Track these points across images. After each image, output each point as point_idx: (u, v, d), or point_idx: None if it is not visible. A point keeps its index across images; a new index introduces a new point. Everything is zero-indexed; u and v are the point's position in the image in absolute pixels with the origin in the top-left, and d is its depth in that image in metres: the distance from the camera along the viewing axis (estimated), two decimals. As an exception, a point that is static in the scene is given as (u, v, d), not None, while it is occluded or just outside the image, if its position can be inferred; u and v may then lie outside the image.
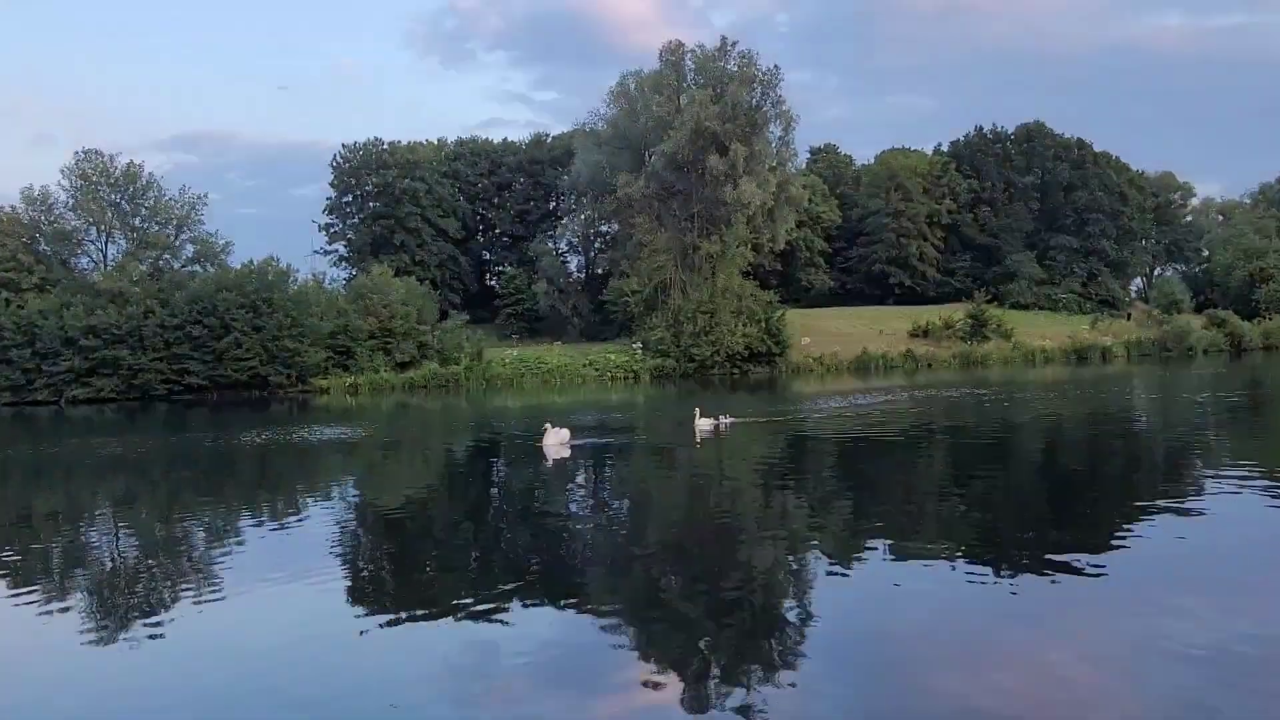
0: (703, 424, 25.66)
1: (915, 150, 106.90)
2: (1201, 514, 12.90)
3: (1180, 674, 7.24)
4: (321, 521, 15.43)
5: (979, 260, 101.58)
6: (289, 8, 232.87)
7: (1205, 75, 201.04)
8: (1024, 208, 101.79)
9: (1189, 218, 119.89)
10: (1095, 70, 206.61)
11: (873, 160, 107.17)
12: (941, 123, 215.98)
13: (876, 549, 11.54)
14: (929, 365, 70.94)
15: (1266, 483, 15.22)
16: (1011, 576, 10.04)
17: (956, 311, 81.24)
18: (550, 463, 20.08)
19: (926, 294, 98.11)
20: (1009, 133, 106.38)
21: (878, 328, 79.97)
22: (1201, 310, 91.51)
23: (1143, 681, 7.21)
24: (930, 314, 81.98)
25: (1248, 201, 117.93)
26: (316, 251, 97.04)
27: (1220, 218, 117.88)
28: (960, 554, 11.09)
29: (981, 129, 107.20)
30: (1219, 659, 7.48)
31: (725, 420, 26.68)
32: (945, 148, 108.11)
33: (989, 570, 10.37)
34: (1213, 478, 15.93)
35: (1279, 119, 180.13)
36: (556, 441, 21.88)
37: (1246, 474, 16.06)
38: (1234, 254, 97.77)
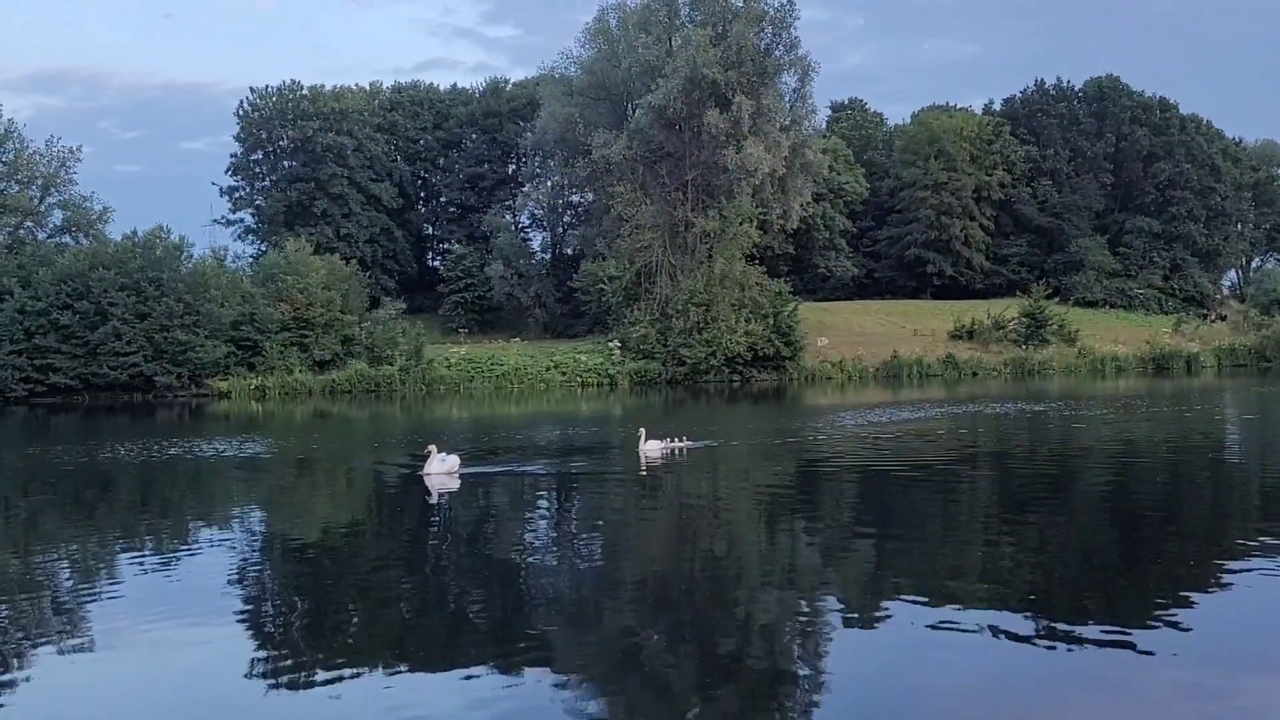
0: (649, 447, 25.63)
1: (961, 109, 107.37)
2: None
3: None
4: (217, 557, 15.36)
5: (1037, 246, 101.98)
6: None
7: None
8: (1093, 182, 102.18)
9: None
10: (1184, 13, 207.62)
11: (908, 120, 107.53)
12: (992, 75, 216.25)
13: (904, 600, 11.56)
14: (974, 374, 71.21)
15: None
16: (1068, 638, 10.08)
17: (1009, 308, 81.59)
18: (435, 496, 20.04)
19: (972, 286, 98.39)
20: (1076, 89, 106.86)
21: (911, 327, 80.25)
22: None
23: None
24: (976, 311, 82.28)
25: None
26: (216, 221, 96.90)
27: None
28: (1006, 609, 11.12)
29: (1042, 83, 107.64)
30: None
31: (679, 444, 26.55)
32: (998, 106, 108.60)
33: (1040, 629, 10.39)
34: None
35: None
36: (444, 470, 21.72)
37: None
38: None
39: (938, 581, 12.45)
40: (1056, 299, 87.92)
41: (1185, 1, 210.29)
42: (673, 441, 26.47)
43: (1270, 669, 9.16)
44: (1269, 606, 11.12)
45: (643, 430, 26.32)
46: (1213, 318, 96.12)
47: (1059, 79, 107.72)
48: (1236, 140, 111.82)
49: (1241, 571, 12.53)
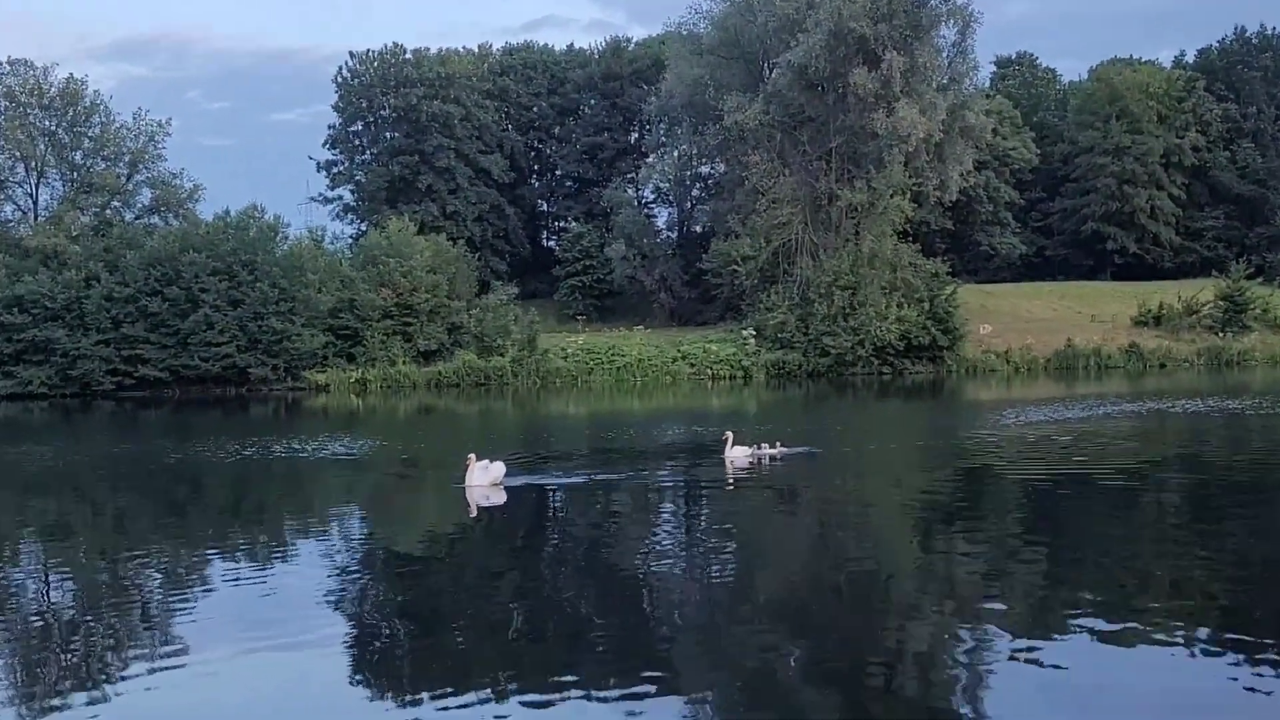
0: (736, 454, 25.37)
1: (1146, 62, 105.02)
2: None
3: None
4: (315, 565, 15.68)
5: (1237, 218, 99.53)
6: None
7: None
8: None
9: None
10: None
11: (1085, 76, 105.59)
12: (1183, 23, 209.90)
13: (1081, 626, 11.39)
14: (1161, 365, 69.72)
15: None
16: (1267, 668, 9.86)
17: (1203, 291, 79.60)
18: (475, 510, 19.96)
19: (1160, 266, 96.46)
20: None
21: (1088, 312, 78.83)
22: None
23: None
24: (1165, 293, 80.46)
25: None
26: (313, 199, 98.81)
27: None
28: (1199, 639, 10.90)
29: (1243, 32, 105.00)
30: None
31: (771, 450, 26.17)
32: (1190, 58, 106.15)
33: (1243, 661, 10.17)
34: None
35: None
36: (486, 481, 21.53)
37: None
38: None
39: (1120, 607, 12.24)
40: (1260, 279, 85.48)
41: None
42: (762, 448, 26.13)
43: None
44: None
45: (729, 434, 26.01)
46: None
47: (1262, 26, 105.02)
48: None
49: None
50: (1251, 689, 9.39)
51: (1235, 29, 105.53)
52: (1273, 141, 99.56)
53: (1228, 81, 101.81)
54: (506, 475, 22.05)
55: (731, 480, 23.24)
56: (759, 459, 25.53)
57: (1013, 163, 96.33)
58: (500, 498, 20.87)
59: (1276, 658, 10.14)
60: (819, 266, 72.34)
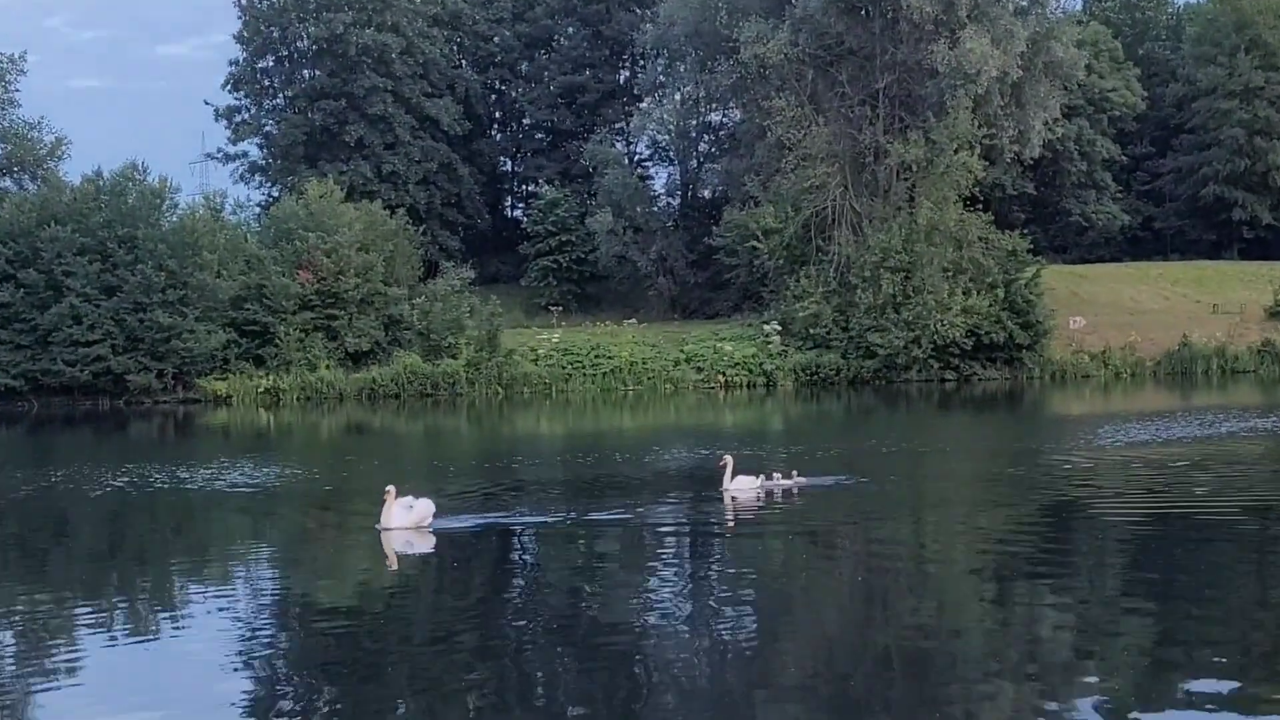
0: (738, 485, 25.04)
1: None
2: None
3: None
4: (213, 628, 15.66)
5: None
6: None
7: None
8: None
9: None
10: None
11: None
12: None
13: (1199, 700, 11.46)
14: (1306, 368, 70.01)
15: None
16: None
17: (1358, 273, 79.99)
18: (392, 558, 19.93)
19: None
20: None
21: (1209, 300, 79.04)
22: None
23: None
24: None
25: None
26: (210, 156, 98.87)
27: None
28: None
29: None
30: None
31: (785, 481, 25.96)
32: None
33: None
34: None
35: None
36: (409, 522, 21.46)
37: None
38: None
39: (1246, 682, 12.28)
40: None
41: None
42: (774, 478, 25.93)
43: None
44: None
45: (728, 459, 25.57)
46: None
47: None
48: None
49: None
50: None
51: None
52: None
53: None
54: (439, 515, 21.85)
55: (732, 519, 23.10)
56: (769, 491, 25.28)
57: (1112, 109, 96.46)
58: (427, 543, 20.83)
59: None
60: (863, 243, 72.44)
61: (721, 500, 24.39)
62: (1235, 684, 11.94)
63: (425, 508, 21.67)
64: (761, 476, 25.68)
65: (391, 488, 21.50)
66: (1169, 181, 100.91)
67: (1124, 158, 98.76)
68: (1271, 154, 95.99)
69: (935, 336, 68.58)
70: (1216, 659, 13.10)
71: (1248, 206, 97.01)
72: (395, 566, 19.39)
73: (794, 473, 26.36)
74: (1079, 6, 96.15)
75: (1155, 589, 16.99)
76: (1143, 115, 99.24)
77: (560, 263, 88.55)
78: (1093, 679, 12.65)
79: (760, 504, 24.22)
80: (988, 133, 75.08)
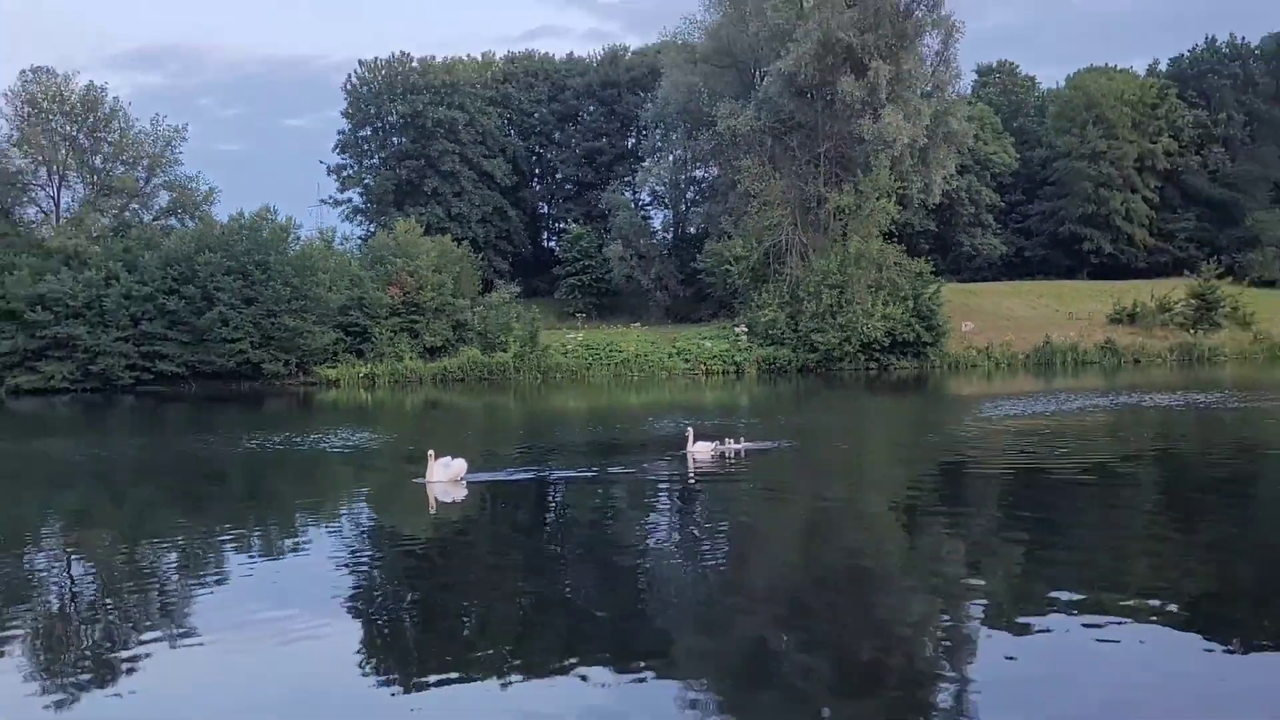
0: (698, 449, 24.78)
1: (1121, 70, 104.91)
2: None
3: None
4: (327, 552, 15.70)
5: (1208, 220, 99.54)
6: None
7: None
8: (1273, 149, 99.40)
9: None
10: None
11: (1063, 84, 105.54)
12: (1156, 32, 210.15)
13: (1059, 607, 11.42)
14: (1136, 361, 69.77)
15: None
16: (1236, 648, 9.87)
17: (1176, 289, 79.66)
18: (434, 504, 19.59)
19: (1134, 265, 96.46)
20: (1252, 46, 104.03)
21: (1066, 310, 78.86)
22: None
23: None
24: (1139, 292, 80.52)
25: None
26: (323, 201, 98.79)
27: None
28: (1170, 623, 10.90)
29: (1213, 41, 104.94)
30: None
31: (735, 445, 25.56)
32: (1163, 67, 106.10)
33: (1213, 645, 10.17)
34: None
35: None
36: (446, 477, 21.09)
37: None
38: None
39: (1094, 591, 12.25)
40: (1230, 278, 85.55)
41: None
42: (724, 444, 25.53)
43: None
44: None
45: (690, 429, 25.59)
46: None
47: (1232, 35, 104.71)
48: None
49: None
50: (1218, 668, 9.40)
51: (1206, 38, 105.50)
52: (1242, 146, 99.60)
53: (1199, 89, 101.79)
54: (473, 471, 21.62)
55: (693, 475, 22.60)
56: (723, 454, 24.94)
57: (993, 167, 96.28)
58: (461, 493, 20.47)
59: (1241, 645, 10.15)
60: (808, 266, 72.32)
61: (685, 460, 24.01)
62: (1083, 594, 11.92)
63: (459, 466, 21.34)
64: (716, 442, 25.34)
65: (432, 451, 21.26)
66: (1036, 221, 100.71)
67: (1002, 203, 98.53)
68: (1111, 201, 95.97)
69: (862, 336, 68.63)
70: (1069, 574, 13.08)
71: (1094, 240, 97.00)
72: (434, 511, 19.09)
73: (741, 439, 26.04)
74: (969, 91, 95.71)
75: (1024, 524, 16.96)
76: (1016, 172, 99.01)
77: (583, 281, 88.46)
78: (978, 587, 12.63)
79: (715, 462, 23.82)
80: (901, 185, 74.96)
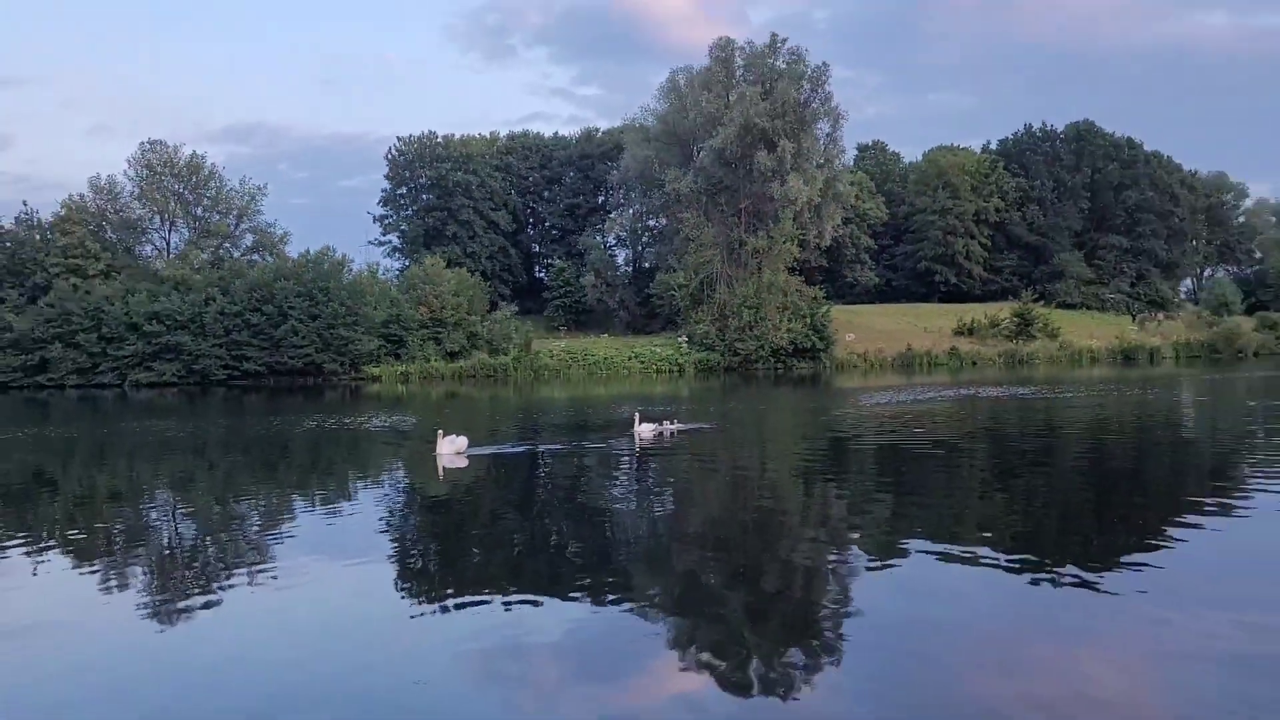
0: (643, 429, 24.26)
1: (964, 148, 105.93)
2: (1248, 522, 12.67)
3: (1214, 683, 7.14)
4: (372, 506, 15.64)
5: (1026, 259, 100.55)
6: (331, 2, 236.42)
7: (1256, 74, 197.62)
8: (1073, 207, 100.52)
9: (1241, 218, 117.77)
10: (1143, 69, 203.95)
11: (920, 158, 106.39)
12: (986, 120, 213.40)
13: (916, 548, 11.47)
14: (973, 363, 70.31)
15: (1313, 488, 14.95)
16: (1051, 580, 9.94)
17: (1002, 310, 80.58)
18: (442, 472, 19.01)
19: (972, 292, 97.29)
20: (1058, 131, 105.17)
21: (922, 325, 79.45)
22: (1252, 312, 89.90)
23: (1174, 691, 7.12)
24: (975, 312, 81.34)
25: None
26: (371, 242, 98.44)
27: (1274, 219, 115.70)
28: (999, 556, 10.99)
29: (1030, 127, 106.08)
30: (1254, 667, 7.37)
31: (672, 426, 25.20)
32: (994, 146, 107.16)
33: (1028, 573, 10.26)
34: (1260, 485, 15.64)
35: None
36: (451, 450, 20.54)
37: (1293, 479, 15.78)
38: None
39: (943, 533, 12.33)
40: (1042, 302, 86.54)
41: (1145, 62, 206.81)
42: (663, 425, 25.17)
43: (1212, 608, 8.96)
44: (1216, 558, 10.89)
45: (637, 414, 25.15)
46: (1161, 318, 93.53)
47: (1044, 123, 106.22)
48: (1192, 172, 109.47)
49: (1195, 526, 12.27)
50: (1035, 584, 9.49)
51: (1025, 125, 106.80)
52: (1051, 205, 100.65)
53: (1020, 162, 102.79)
54: (475, 445, 21.24)
55: (638, 449, 22.11)
56: (662, 433, 24.53)
57: (869, 219, 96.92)
58: (463, 463, 19.99)
59: (1050, 569, 10.24)
60: (733, 292, 72.57)
61: (633, 438, 23.76)
62: (934, 539, 11.99)
63: (462, 442, 20.97)
64: (656, 424, 25.10)
65: (440, 430, 21.01)
66: (900, 259, 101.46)
67: (875, 245, 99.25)
68: (955, 244, 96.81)
69: (772, 344, 68.86)
70: (923, 524, 13.15)
71: (943, 273, 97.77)
72: (442, 476, 18.72)
73: (675, 420, 25.94)
74: (852, 162, 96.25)
75: (890, 486, 17.04)
76: (886, 222, 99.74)
77: (565, 303, 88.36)
78: (858, 535, 12.66)
79: (656, 440, 23.57)
80: (801, 232, 75.30)
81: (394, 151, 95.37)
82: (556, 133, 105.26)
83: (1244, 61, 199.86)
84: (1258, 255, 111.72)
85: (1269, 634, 8.09)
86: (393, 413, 36.79)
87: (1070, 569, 10.24)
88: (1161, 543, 11.49)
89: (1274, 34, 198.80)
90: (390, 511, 15.29)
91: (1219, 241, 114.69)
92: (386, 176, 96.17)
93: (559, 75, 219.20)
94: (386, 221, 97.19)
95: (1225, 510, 13.18)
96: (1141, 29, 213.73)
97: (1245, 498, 14.31)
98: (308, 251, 72.00)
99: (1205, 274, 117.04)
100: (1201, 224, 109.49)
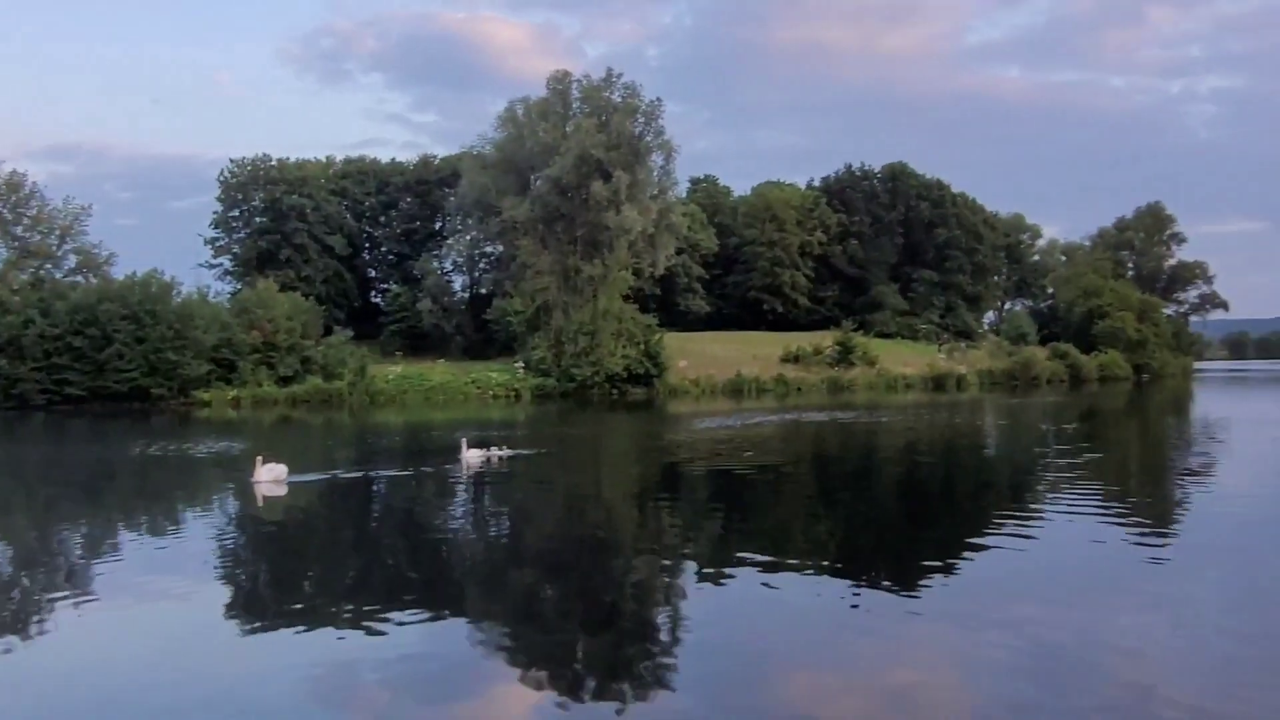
0: (471, 455, 23.46)
1: (790, 184, 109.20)
2: (1039, 534, 13.57)
3: (1004, 681, 7.69)
4: (200, 533, 15.05)
5: (847, 290, 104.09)
6: (160, 20, 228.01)
7: (1047, 125, 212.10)
8: (889, 242, 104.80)
9: (1036, 257, 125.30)
10: (949, 116, 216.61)
11: (749, 192, 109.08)
12: (812, 158, 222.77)
13: (743, 565, 11.81)
14: (799, 389, 72.33)
15: (1096, 505, 16.11)
16: (865, 591, 10.43)
17: (825, 338, 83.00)
18: (261, 500, 18.24)
19: (797, 321, 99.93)
20: (876, 171, 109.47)
21: (751, 352, 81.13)
22: (1046, 343, 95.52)
23: (969, 689, 7.63)
24: (801, 340, 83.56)
25: (1087, 244, 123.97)
26: (200, 265, 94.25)
27: (1063, 258, 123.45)
28: (820, 570, 11.46)
29: (851, 167, 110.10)
30: (1041, 667, 7.95)
31: (497, 452, 24.59)
32: (817, 183, 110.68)
33: (846, 585, 10.74)
34: (1052, 503, 16.75)
35: (1113, 169, 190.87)
36: (269, 478, 19.66)
37: (1079, 497, 16.95)
38: (1075, 292, 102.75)
39: (770, 552, 12.70)
40: (861, 331, 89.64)
41: (953, 108, 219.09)
42: (490, 450, 24.58)
43: (1006, 613, 9.60)
44: (1012, 567, 11.65)
45: (464, 439, 24.38)
46: (964, 345, 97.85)
47: (862, 163, 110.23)
48: (994, 213, 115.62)
49: (992, 542, 13.08)
50: (851, 596, 9.93)
51: (845, 165, 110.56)
52: (869, 240, 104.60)
53: (841, 199, 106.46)
54: (295, 473, 20.37)
55: (469, 476, 21.38)
56: (490, 459, 23.86)
57: (701, 249, 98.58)
58: (282, 491, 19.14)
59: (865, 579, 10.74)
60: (568, 318, 72.64)
61: (460, 463, 22.91)
62: (760, 556, 12.35)
63: (281, 470, 20.06)
64: (484, 450, 24.46)
65: (259, 456, 20.13)
66: (730, 288, 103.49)
67: (707, 275, 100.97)
68: (782, 275, 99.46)
69: (607, 370, 69.17)
70: (750, 543, 13.53)
71: (770, 303, 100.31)
72: (261, 504, 17.88)
73: (504, 446, 25.52)
74: (684, 195, 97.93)
75: (719, 508, 17.43)
76: (716, 253, 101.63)
77: (401, 328, 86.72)
78: (687, 552, 12.95)
79: (484, 466, 22.93)
80: (635, 261, 76.15)
81: (226, 173, 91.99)
82: (394, 158, 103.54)
83: (1038, 112, 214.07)
84: (1050, 290, 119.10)
85: (1051, 638, 8.73)
86: (222, 438, 35.42)
87: (885, 584, 10.77)
88: (966, 556, 12.21)
89: (1063, 88, 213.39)
90: (220, 539, 14.77)
91: (1017, 277, 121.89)
92: (219, 198, 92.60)
93: (396, 101, 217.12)
94: (218, 244, 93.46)
95: (1022, 527, 14.06)
96: (946, 79, 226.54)
97: (1039, 515, 15.33)
98: (134, 274, 68.78)
99: (1005, 307, 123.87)
100: (1002, 261, 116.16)
